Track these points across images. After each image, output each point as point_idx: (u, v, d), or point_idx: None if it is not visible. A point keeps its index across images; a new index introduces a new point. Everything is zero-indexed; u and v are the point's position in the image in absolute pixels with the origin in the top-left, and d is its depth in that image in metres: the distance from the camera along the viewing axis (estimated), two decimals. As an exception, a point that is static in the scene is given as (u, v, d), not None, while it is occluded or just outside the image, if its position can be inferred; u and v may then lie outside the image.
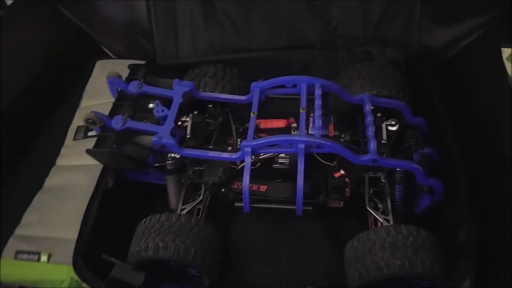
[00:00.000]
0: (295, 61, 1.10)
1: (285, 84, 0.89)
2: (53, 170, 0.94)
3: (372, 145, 0.79)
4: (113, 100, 0.92)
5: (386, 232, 0.75)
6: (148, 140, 0.82)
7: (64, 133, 1.00)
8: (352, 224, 0.91)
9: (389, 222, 0.82)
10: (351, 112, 0.95)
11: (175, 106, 0.86)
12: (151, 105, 0.88)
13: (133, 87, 0.88)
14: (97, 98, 1.03)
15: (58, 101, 1.08)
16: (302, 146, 0.77)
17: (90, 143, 0.87)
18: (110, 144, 0.81)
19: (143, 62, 1.08)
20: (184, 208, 0.87)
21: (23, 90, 1.02)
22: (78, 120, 1.01)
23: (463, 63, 1.09)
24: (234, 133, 0.90)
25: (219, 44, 1.08)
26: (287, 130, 0.89)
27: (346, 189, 0.83)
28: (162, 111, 0.85)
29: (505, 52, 0.96)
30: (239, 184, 0.84)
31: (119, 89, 0.90)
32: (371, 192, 0.87)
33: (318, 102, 0.82)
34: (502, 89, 0.91)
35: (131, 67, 0.94)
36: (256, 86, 0.90)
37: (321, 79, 0.88)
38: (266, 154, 0.83)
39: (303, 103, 0.84)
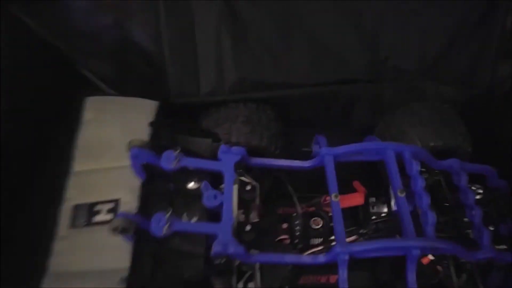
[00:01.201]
0: (340, 98, 0.90)
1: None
2: (46, 281, 0.63)
3: (486, 238, 0.64)
4: (122, 160, 0.67)
5: None
6: (200, 242, 0.59)
7: (53, 216, 0.68)
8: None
9: None
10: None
11: (229, 187, 0.64)
12: (191, 185, 0.65)
13: (168, 161, 0.63)
14: (96, 157, 0.73)
15: (39, 164, 0.75)
16: (417, 252, 0.59)
17: (100, 233, 0.63)
18: (149, 258, 0.57)
19: (148, 100, 0.81)
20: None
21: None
22: (74, 195, 0.70)
23: None
24: (298, 211, 0.70)
25: (252, 78, 0.84)
26: (365, 208, 0.71)
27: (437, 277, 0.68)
28: (215, 197, 0.62)
29: None
30: (308, 278, 0.68)
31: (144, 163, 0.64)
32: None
33: (421, 183, 0.64)
34: None
35: (152, 124, 0.68)
36: (329, 154, 0.69)
37: (411, 145, 0.70)
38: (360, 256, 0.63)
39: (397, 182, 0.65)
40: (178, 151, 0.64)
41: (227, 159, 0.66)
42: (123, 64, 0.86)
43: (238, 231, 0.63)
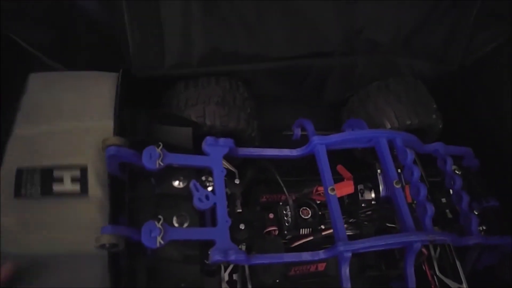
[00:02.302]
0: (313, 71, 0.85)
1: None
2: None
3: (475, 224, 0.65)
4: (82, 120, 0.59)
5: None
6: (193, 244, 0.54)
7: None
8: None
9: None
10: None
11: (220, 185, 0.57)
12: (176, 183, 0.57)
13: (151, 160, 0.54)
14: (39, 121, 0.60)
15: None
16: (418, 245, 0.58)
17: (66, 206, 0.53)
18: (144, 274, 0.50)
19: (105, 72, 0.68)
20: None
21: None
22: (16, 158, 0.55)
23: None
24: (290, 203, 0.65)
25: (225, 50, 0.75)
26: (354, 196, 0.68)
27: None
28: (207, 197, 0.55)
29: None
30: (298, 268, 0.67)
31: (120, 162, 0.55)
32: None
33: (417, 174, 0.62)
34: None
35: (129, 115, 0.58)
36: (320, 143, 0.64)
37: (401, 132, 0.68)
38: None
39: (392, 172, 0.63)
40: (160, 147, 0.55)
41: (214, 153, 0.59)
42: (64, 32, 0.72)
43: (231, 230, 0.57)
